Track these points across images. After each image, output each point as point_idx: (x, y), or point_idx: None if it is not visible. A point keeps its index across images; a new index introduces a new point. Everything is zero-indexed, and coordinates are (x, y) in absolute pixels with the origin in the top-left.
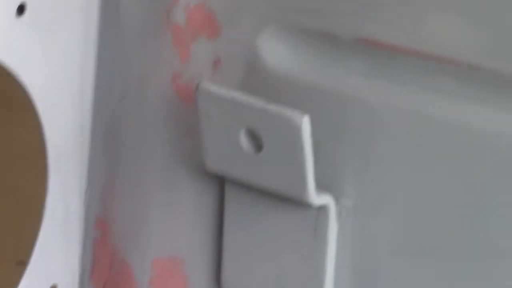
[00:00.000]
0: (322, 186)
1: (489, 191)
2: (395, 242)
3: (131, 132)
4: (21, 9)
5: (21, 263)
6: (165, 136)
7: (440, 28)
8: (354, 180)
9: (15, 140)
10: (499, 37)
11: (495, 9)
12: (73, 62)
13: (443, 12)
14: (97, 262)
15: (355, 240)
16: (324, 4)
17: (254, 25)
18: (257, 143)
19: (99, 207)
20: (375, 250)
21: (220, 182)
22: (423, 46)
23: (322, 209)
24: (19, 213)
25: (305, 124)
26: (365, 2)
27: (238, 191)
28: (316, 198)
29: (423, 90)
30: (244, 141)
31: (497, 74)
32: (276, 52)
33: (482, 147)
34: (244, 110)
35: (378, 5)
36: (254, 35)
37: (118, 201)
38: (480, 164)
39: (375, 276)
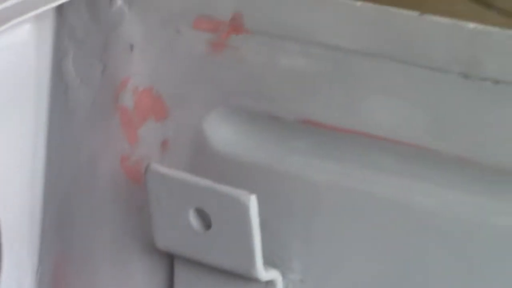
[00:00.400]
0: (269, 262)
1: (427, 263)
2: None
3: (82, 211)
4: None
5: None
6: (115, 215)
7: (378, 110)
8: (300, 255)
9: None
10: (434, 118)
11: (430, 92)
12: (24, 144)
13: (381, 96)
14: None
15: None
16: (266, 88)
17: (200, 108)
18: (206, 222)
19: (51, 285)
20: None
21: (170, 259)
22: (363, 127)
23: (270, 284)
24: None
25: (253, 203)
26: (306, 86)
27: (188, 268)
28: (264, 273)
29: (364, 168)
30: (193, 220)
31: (434, 152)
32: (222, 134)
33: (420, 222)
34: (192, 190)
35: (318, 89)
36: (201, 117)
37: (69, 279)
38: (418, 237)
39: None
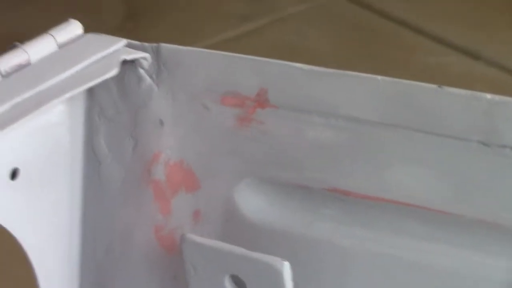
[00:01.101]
0: None
1: None
2: None
3: (117, 281)
4: (14, 174)
5: None
6: (150, 284)
7: (401, 178)
8: None
9: None
10: (457, 184)
11: (451, 160)
12: (61, 219)
13: (403, 164)
14: None
15: None
16: (292, 159)
17: (230, 179)
18: (242, 287)
19: None
20: None
21: None
22: (387, 194)
23: None
24: None
25: (286, 269)
26: (331, 156)
27: None
28: None
29: (390, 233)
30: (229, 286)
31: (457, 217)
32: (252, 203)
33: (445, 283)
34: (227, 258)
35: (343, 159)
36: (231, 188)
37: None
38: None
39: None
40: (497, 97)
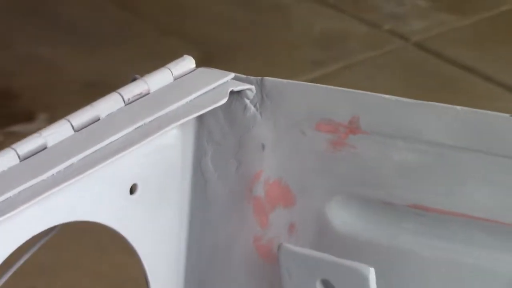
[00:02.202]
0: None
1: None
2: None
3: (219, 287)
4: (132, 189)
5: None
6: (250, 287)
7: (476, 195)
8: None
9: None
10: None
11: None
12: (171, 231)
13: (478, 183)
14: None
15: None
16: (379, 179)
17: (323, 196)
18: None
19: None
20: None
21: None
22: (463, 209)
23: None
24: None
25: (372, 274)
26: (414, 177)
27: None
28: None
29: (465, 244)
30: None
31: None
32: (342, 217)
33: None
34: (319, 264)
35: (425, 178)
36: (323, 204)
37: None
38: None
39: None
40: None
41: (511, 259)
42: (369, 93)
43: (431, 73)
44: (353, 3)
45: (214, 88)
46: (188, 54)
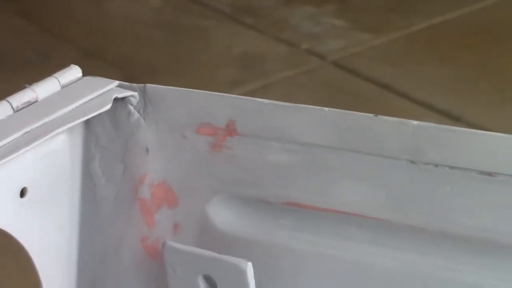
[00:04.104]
0: None
1: None
2: None
3: (109, 285)
4: (23, 192)
5: None
6: (138, 285)
7: (346, 192)
8: None
9: None
10: (391, 196)
11: (386, 176)
12: (62, 232)
13: (347, 180)
14: None
15: None
16: (256, 178)
17: (204, 196)
18: (213, 286)
19: None
20: None
21: None
22: (334, 205)
23: None
24: None
25: (249, 268)
26: (288, 175)
27: None
28: None
29: (337, 238)
30: (202, 285)
31: (392, 223)
32: (223, 216)
33: (384, 281)
34: (201, 260)
35: (298, 177)
36: (205, 203)
37: None
38: None
39: None
40: (421, 123)
41: (383, 252)
42: (244, 97)
43: (348, 91)
44: (272, 23)
45: (99, 95)
46: (110, 76)
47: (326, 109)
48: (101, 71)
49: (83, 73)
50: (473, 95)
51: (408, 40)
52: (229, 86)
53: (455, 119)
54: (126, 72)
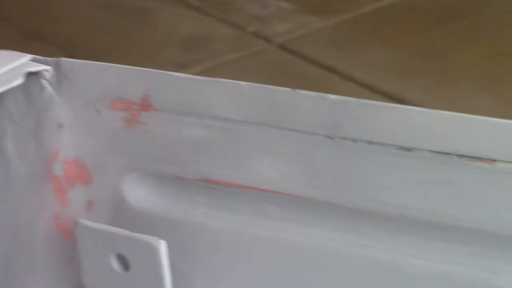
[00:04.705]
0: None
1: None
2: None
3: (22, 264)
4: None
5: None
6: (50, 265)
7: (262, 168)
8: None
9: None
10: (308, 172)
11: (303, 151)
12: None
13: (264, 156)
14: None
15: None
16: (171, 154)
17: (119, 173)
18: (126, 265)
19: None
20: None
21: None
22: (251, 182)
23: None
24: None
25: (163, 247)
26: (203, 151)
27: None
28: None
29: (254, 216)
30: (115, 264)
31: (308, 200)
32: (138, 193)
33: (299, 256)
34: (113, 239)
35: (213, 153)
36: (119, 181)
37: None
38: (298, 269)
39: None
40: (340, 97)
41: (300, 229)
42: (159, 71)
43: (294, 74)
44: (218, 5)
45: (11, 70)
46: (54, 57)
47: (242, 83)
48: (44, 52)
49: (28, 53)
50: (418, 77)
51: (354, 23)
52: (174, 68)
53: (400, 101)
54: (69, 53)
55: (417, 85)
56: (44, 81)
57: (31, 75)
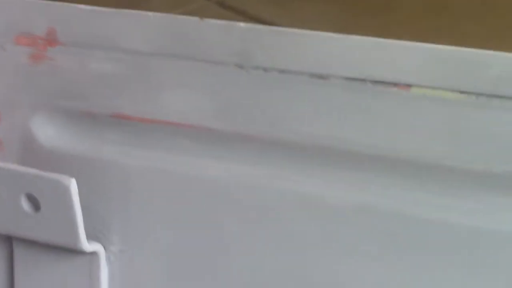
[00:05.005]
0: (92, 237)
1: (223, 227)
2: (159, 278)
3: None
4: None
5: None
6: None
7: (173, 101)
8: (118, 230)
9: None
10: (219, 104)
11: (213, 82)
12: None
13: (174, 89)
14: None
15: (124, 279)
16: (80, 90)
17: (27, 111)
18: (36, 205)
19: None
20: (143, 286)
21: (10, 241)
22: (162, 116)
23: (94, 255)
24: None
25: (73, 185)
26: (113, 86)
27: (24, 246)
28: (87, 246)
29: (167, 151)
30: (25, 204)
31: (221, 132)
32: (47, 131)
33: (213, 192)
34: (23, 178)
35: (124, 87)
36: (28, 119)
37: None
38: (214, 206)
39: None
40: (249, 25)
41: (214, 164)
42: (64, 4)
43: None
44: None
45: None
46: None
47: (150, 13)
48: None
49: None
50: (357, 32)
51: None
52: None
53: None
54: None
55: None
56: None
57: None
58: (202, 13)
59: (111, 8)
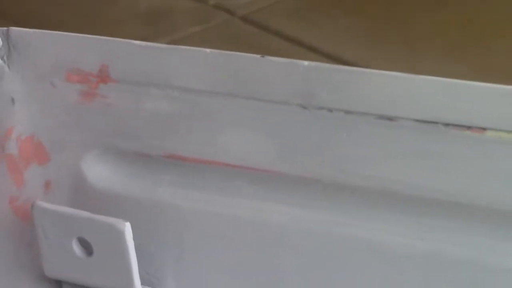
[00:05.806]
0: (146, 282)
1: (283, 271)
2: None
3: None
4: None
5: None
6: (7, 251)
7: (232, 142)
8: (173, 274)
9: None
10: (281, 145)
11: (275, 123)
12: None
13: (233, 129)
14: None
15: None
16: (133, 129)
17: (77, 151)
18: (88, 249)
19: None
20: None
21: (59, 285)
22: (220, 157)
23: None
24: None
25: (127, 229)
26: (168, 125)
27: None
28: None
29: (224, 194)
30: (76, 248)
31: (283, 175)
32: (98, 172)
33: (275, 237)
34: (74, 221)
35: (179, 126)
36: (78, 159)
37: None
38: (275, 250)
39: None
40: (313, 64)
41: (274, 207)
42: (116, 39)
43: (257, 46)
44: None
45: None
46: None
47: (208, 50)
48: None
49: None
50: (382, 46)
51: None
52: None
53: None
54: (29, 27)
55: (381, 55)
56: None
57: None
58: (225, 28)
59: (165, 44)
